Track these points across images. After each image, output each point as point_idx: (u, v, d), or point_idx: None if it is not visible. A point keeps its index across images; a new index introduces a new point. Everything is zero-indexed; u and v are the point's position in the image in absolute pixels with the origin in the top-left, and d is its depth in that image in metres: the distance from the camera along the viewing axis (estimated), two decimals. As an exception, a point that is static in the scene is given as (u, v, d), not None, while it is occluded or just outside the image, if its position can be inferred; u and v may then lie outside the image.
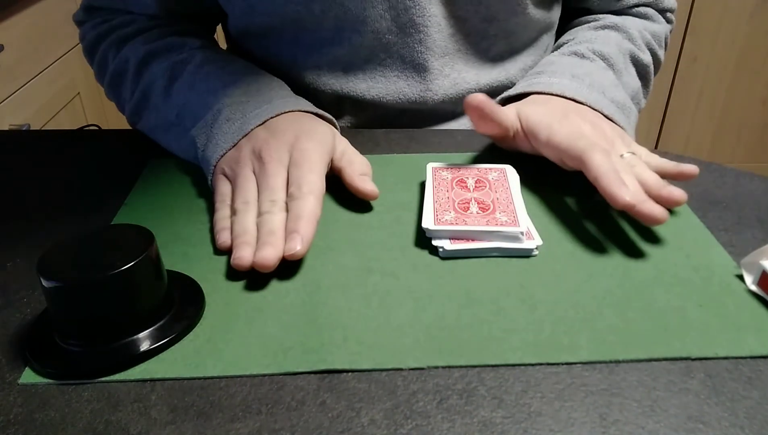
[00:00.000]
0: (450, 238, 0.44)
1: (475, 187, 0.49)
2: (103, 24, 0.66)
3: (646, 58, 0.65)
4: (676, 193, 0.45)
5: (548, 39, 0.70)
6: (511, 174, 0.51)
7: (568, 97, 0.54)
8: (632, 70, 0.63)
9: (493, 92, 0.66)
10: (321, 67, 0.63)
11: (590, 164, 0.45)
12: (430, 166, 0.52)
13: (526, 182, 0.52)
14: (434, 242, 0.44)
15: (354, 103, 0.65)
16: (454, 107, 0.66)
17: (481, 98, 0.50)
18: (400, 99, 0.64)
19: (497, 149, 0.59)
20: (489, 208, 0.46)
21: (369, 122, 0.66)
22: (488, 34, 0.63)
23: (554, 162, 0.51)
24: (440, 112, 0.66)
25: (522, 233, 0.44)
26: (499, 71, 0.66)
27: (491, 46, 0.64)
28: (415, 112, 0.65)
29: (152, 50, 0.60)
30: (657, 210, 0.43)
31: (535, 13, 0.63)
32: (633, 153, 0.49)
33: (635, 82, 0.63)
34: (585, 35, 0.65)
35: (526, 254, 0.44)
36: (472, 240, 0.44)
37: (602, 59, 0.60)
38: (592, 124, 0.51)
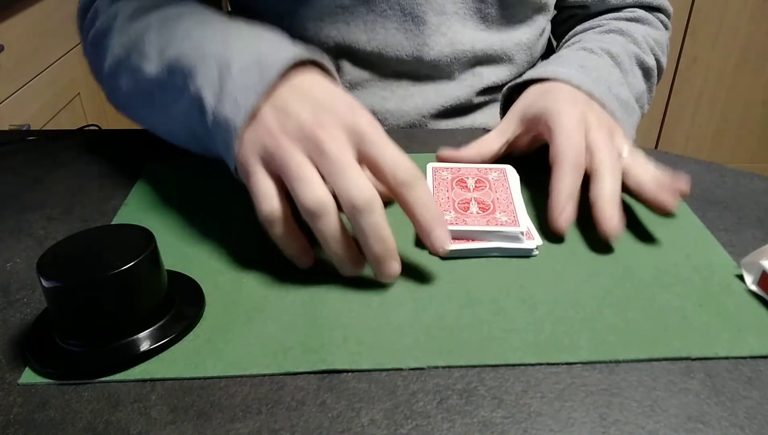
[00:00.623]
0: (450, 238, 0.44)
1: (475, 187, 0.49)
2: None
3: (651, 61, 0.66)
4: (671, 202, 0.45)
5: (544, 22, 0.72)
6: (511, 174, 0.51)
7: (574, 84, 0.54)
8: (638, 73, 0.64)
9: (487, 58, 0.68)
10: (323, 19, 0.64)
11: (557, 175, 0.46)
12: (430, 166, 0.52)
13: (526, 182, 0.52)
14: None
15: (354, 57, 0.66)
16: (449, 68, 0.67)
17: (442, 154, 0.53)
18: (397, 52, 0.65)
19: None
20: (489, 208, 0.46)
21: (368, 80, 0.67)
22: (486, 1, 0.65)
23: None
24: (436, 74, 0.67)
25: (522, 233, 0.44)
26: (494, 40, 0.67)
27: (487, 15, 0.66)
28: (412, 72, 0.66)
29: (144, 5, 0.53)
30: (612, 228, 0.43)
31: None
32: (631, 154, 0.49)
33: (640, 85, 0.64)
34: (592, 37, 0.66)
35: (526, 254, 0.44)
36: (472, 240, 0.44)
37: (610, 57, 0.61)
38: (598, 116, 0.51)
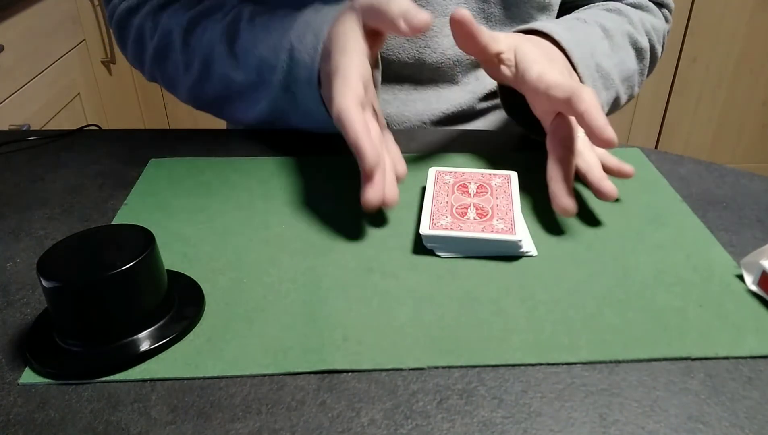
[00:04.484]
0: (444, 245, 0.44)
1: (477, 192, 0.48)
2: None
3: (644, 43, 0.66)
4: (611, 192, 0.47)
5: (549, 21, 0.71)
6: (515, 181, 0.50)
7: (555, 39, 0.54)
8: (631, 51, 0.64)
9: None
10: None
11: (581, 97, 0.45)
12: (432, 169, 0.51)
13: (528, 182, 0.52)
14: (424, 239, 0.44)
15: None
16: (452, 71, 0.67)
17: (465, 14, 0.49)
18: (399, 55, 0.65)
19: (498, 150, 0.59)
20: (487, 215, 0.45)
21: None
22: (489, 1, 0.64)
23: (531, 102, 0.51)
24: (439, 78, 0.67)
25: (519, 241, 0.43)
26: None
27: (491, 15, 0.66)
28: (415, 76, 0.66)
29: (195, 16, 0.60)
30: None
31: None
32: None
33: (632, 63, 0.64)
34: (588, 11, 0.67)
35: (513, 250, 0.44)
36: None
37: (602, 30, 0.61)
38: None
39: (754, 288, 0.41)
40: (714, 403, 0.33)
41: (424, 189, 0.52)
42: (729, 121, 1.99)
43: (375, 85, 0.61)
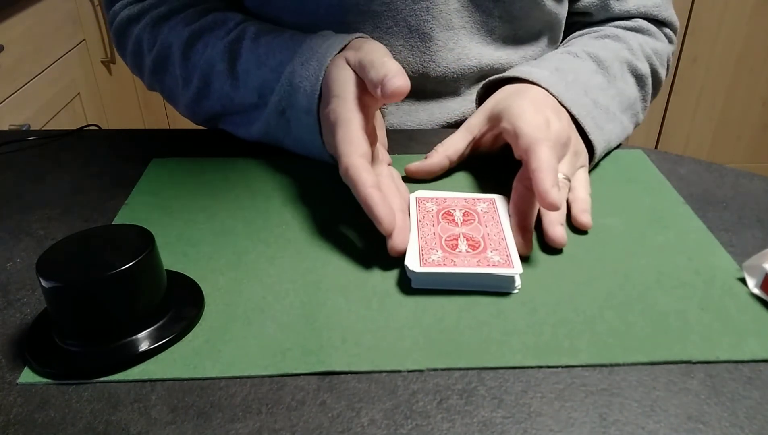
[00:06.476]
0: (433, 281, 0.41)
1: (464, 220, 0.45)
2: (134, 5, 0.64)
3: (644, 68, 0.64)
4: (558, 236, 0.45)
5: (553, 37, 0.70)
6: (500, 205, 0.48)
7: (543, 86, 0.53)
8: (630, 79, 0.62)
9: (493, 73, 0.66)
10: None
11: (535, 154, 0.44)
12: (414, 196, 0.48)
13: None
14: (407, 265, 0.41)
15: None
16: (455, 83, 0.66)
17: (414, 167, 0.53)
18: (403, 69, 0.63)
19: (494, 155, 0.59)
20: (479, 246, 0.43)
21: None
22: (493, 14, 0.63)
23: (508, 140, 0.51)
24: (442, 90, 0.66)
25: (518, 276, 0.41)
26: (501, 54, 0.66)
27: (495, 28, 0.65)
28: (418, 88, 0.65)
29: (195, 31, 0.59)
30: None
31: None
32: (568, 178, 0.49)
33: (632, 92, 0.62)
34: (582, 41, 0.65)
35: (508, 286, 0.41)
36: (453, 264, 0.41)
37: (596, 62, 0.60)
38: (559, 128, 0.50)
39: (756, 291, 0.41)
40: (714, 403, 0.33)
41: None
42: (729, 121, 1.99)
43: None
